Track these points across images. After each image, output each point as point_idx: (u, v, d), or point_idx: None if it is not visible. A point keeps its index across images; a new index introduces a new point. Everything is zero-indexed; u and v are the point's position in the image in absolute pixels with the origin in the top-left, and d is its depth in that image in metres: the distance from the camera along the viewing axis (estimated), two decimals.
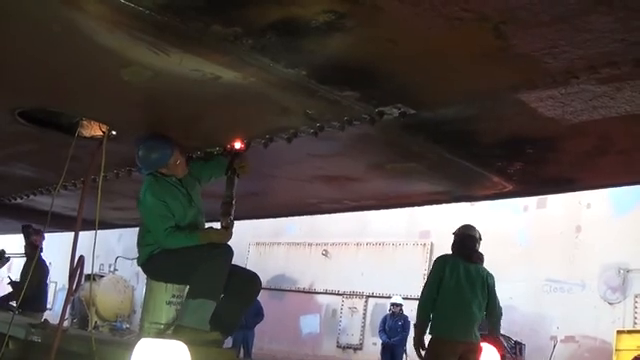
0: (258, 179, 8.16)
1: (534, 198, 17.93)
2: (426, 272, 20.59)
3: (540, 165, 7.08)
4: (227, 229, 6.98)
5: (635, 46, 4.20)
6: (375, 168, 7.85)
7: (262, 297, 15.33)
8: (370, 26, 4.28)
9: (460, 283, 9.25)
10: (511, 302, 18.95)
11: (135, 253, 7.19)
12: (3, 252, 11.82)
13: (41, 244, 13.36)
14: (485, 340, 9.66)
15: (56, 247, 14.48)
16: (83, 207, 7.08)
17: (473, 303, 9.25)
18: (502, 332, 15.56)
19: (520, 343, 15.68)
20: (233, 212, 7.02)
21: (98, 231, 7.09)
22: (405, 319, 18.81)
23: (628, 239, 17.24)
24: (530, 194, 11.40)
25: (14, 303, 12.75)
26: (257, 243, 25.12)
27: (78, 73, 5.59)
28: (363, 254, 22.22)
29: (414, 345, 9.29)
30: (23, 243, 13.99)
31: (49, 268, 15.05)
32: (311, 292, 23.92)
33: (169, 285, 7.00)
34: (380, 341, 19.54)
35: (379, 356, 19.64)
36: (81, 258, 6.69)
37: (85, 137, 7.06)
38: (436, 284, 9.28)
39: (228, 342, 8.25)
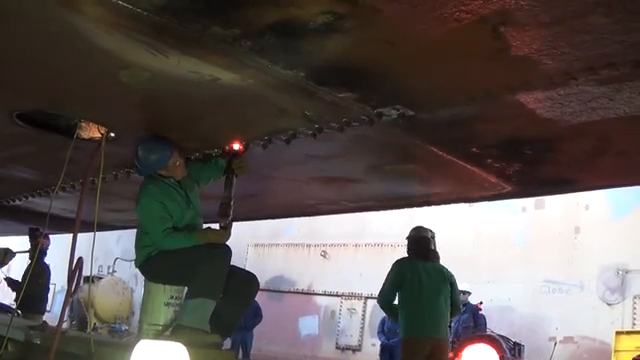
0: (257, 180, 8.16)
1: (532, 199, 17.89)
2: None
3: (539, 166, 7.09)
4: (225, 230, 6.99)
5: (634, 47, 4.20)
6: (374, 169, 7.85)
7: (261, 298, 15.34)
8: (368, 27, 4.28)
9: (423, 282, 9.72)
10: (509, 303, 18.99)
11: (134, 255, 7.19)
12: (9, 250, 11.84)
13: (47, 248, 13.41)
14: (484, 341, 9.69)
15: (55, 249, 14.47)
16: (82, 209, 7.08)
17: (439, 299, 9.74)
18: (501, 333, 15.63)
19: (519, 344, 15.64)
20: (231, 213, 7.02)
21: (97, 233, 7.09)
22: None
23: (627, 240, 17.21)
24: (529, 195, 11.41)
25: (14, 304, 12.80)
26: (256, 244, 25.07)
27: (76, 75, 5.59)
28: (362, 255, 22.19)
29: None
30: (28, 246, 14.03)
31: (50, 271, 15.09)
32: (310, 293, 23.89)
33: (167, 286, 7.01)
34: (379, 342, 19.51)
35: (378, 357, 19.62)
36: (80, 260, 6.69)
37: (83, 139, 7.05)
38: (395, 287, 9.81)
39: (227, 343, 8.24)
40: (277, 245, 24.97)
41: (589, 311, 17.85)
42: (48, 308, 16.71)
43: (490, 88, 5.10)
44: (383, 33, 4.35)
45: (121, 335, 22.60)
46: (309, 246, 24.01)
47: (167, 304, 6.98)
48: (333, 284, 22.94)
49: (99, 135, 6.95)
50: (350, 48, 4.63)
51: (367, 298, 22.07)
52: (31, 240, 13.78)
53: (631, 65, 4.45)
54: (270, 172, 8.21)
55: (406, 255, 10.24)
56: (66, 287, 6.84)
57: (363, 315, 22.40)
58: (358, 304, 22.43)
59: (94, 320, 24.00)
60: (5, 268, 15.12)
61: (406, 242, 10.43)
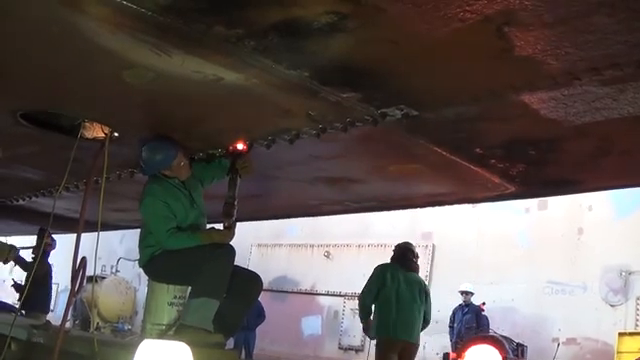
0: (260, 180, 8.16)
1: (535, 200, 17.88)
2: (428, 273, 20.64)
3: (542, 167, 7.07)
4: (229, 230, 7.00)
5: (638, 48, 4.20)
6: (377, 170, 7.85)
7: (264, 298, 15.37)
8: (372, 27, 4.28)
9: (401, 288, 10.71)
10: (512, 304, 18.98)
11: (137, 254, 7.20)
12: (13, 246, 11.88)
13: (50, 251, 13.42)
14: (487, 342, 9.71)
15: (58, 249, 14.49)
16: (85, 209, 7.08)
17: (413, 305, 10.71)
18: (504, 334, 15.62)
19: (522, 345, 15.59)
20: (235, 213, 7.03)
21: (100, 233, 7.10)
22: None
23: (630, 241, 17.19)
24: (532, 196, 11.38)
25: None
26: (259, 245, 25.07)
27: (80, 75, 5.59)
28: (365, 256, 22.13)
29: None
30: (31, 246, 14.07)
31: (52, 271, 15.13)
32: (313, 293, 23.88)
33: (171, 286, 7.01)
34: None
35: None
36: (83, 260, 6.69)
37: (87, 139, 7.07)
38: (376, 289, 10.76)
39: (229, 343, 8.25)
40: (280, 245, 24.96)
41: (592, 312, 17.84)
42: (51, 307, 16.74)
43: (494, 88, 5.10)
44: (387, 33, 4.35)
45: (124, 335, 22.57)
46: (312, 246, 24.01)
47: (170, 304, 6.98)
48: (336, 284, 22.92)
49: (103, 135, 6.96)
50: (354, 48, 4.62)
51: None
52: (38, 240, 13.83)
53: (635, 65, 4.44)
54: (274, 172, 8.20)
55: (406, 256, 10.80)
56: (69, 287, 6.85)
57: None
58: None
59: (97, 320, 24.02)
60: (9, 266, 15.15)
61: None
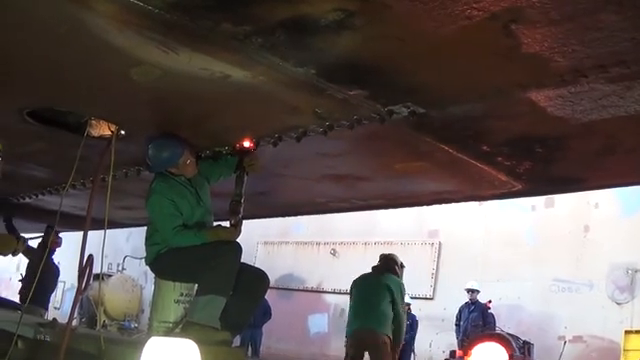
0: (267, 178, 8.17)
1: (542, 197, 17.90)
2: (434, 271, 20.67)
3: (549, 164, 7.06)
4: (236, 228, 7.00)
5: None
6: (384, 167, 7.86)
7: (270, 296, 15.39)
8: (379, 24, 4.28)
9: (364, 287, 11.16)
10: (519, 302, 19.00)
11: (143, 252, 7.20)
12: (22, 238, 11.93)
13: (54, 249, 13.44)
14: (494, 339, 9.72)
15: (65, 246, 14.52)
16: (92, 206, 7.09)
17: (372, 299, 10.87)
18: (510, 332, 15.63)
19: (528, 343, 15.63)
20: (242, 211, 7.04)
21: (107, 230, 7.10)
22: (413, 318, 18.76)
23: (636, 239, 17.19)
24: (539, 193, 11.37)
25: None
26: (265, 242, 25.11)
27: (87, 72, 5.60)
28: (371, 253, 21.96)
29: None
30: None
31: (59, 269, 15.13)
32: (319, 291, 23.90)
33: (177, 284, 7.01)
34: None
35: None
36: (90, 257, 6.69)
37: (94, 137, 7.08)
38: (351, 300, 11.54)
39: (236, 341, 8.26)
40: (287, 243, 25.02)
41: (598, 310, 17.85)
42: (57, 305, 16.79)
43: (501, 86, 5.10)
44: (394, 30, 4.35)
45: (130, 333, 22.67)
46: (319, 244, 24.05)
47: (177, 301, 6.98)
48: (342, 282, 22.83)
49: (109, 133, 6.96)
50: (361, 45, 4.62)
51: None
52: (45, 236, 13.87)
53: None
54: (280, 170, 8.21)
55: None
56: (76, 285, 6.85)
57: None
58: None
59: (104, 318, 24.07)
60: (17, 263, 15.20)
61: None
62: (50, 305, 15.40)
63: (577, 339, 17.97)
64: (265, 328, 20.20)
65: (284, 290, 23.95)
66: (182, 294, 7.01)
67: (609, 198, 17.72)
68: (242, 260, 6.82)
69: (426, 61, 4.82)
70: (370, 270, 11.56)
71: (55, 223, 10.53)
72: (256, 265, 7.75)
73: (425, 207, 13.24)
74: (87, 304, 21.24)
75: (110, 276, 26.65)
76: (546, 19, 3.97)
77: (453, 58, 4.70)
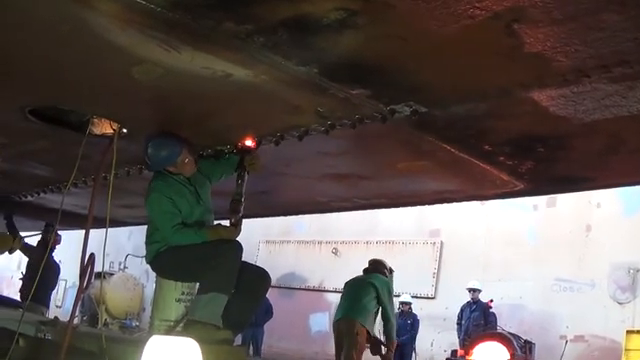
0: (268, 177, 8.16)
1: (544, 197, 17.89)
2: (436, 271, 20.65)
3: (551, 164, 7.06)
4: (236, 226, 7.00)
5: None
6: (386, 166, 7.85)
7: (272, 295, 15.38)
8: (381, 24, 4.28)
9: (352, 286, 11.71)
10: (520, 301, 18.99)
11: (145, 251, 7.20)
12: (19, 236, 11.94)
13: (54, 247, 13.44)
14: (495, 339, 9.73)
15: (66, 245, 14.53)
16: (94, 205, 7.09)
17: (355, 294, 11.38)
18: (512, 331, 15.63)
19: (530, 342, 15.62)
20: (242, 210, 7.03)
21: (108, 229, 7.10)
22: (414, 318, 18.80)
23: (638, 239, 17.18)
24: (541, 193, 11.38)
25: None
26: (267, 241, 25.12)
27: (89, 71, 5.60)
28: (373, 253, 21.96)
29: None
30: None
31: (59, 267, 15.15)
32: (321, 290, 23.90)
33: (179, 282, 7.01)
34: None
35: None
36: (92, 256, 6.69)
37: (96, 135, 7.08)
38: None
39: (237, 340, 8.26)
40: (288, 242, 25.03)
41: (600, 310, 17.84)
42: (59, 303, 16.79)
43: (503, 85, 5.09)
44: (396, 29, 4.35)
45: (132, 331, 22.67)
46: (320, 243, 24.06)
47: (178, 300, 6.98)
48: (344, 281, 22.93)
49: (111, 131, 6.95)
50: (363, 44, 4.62)
51: None
52: (44, 234, 13.89)
53: None
54: (282, 169, 8.21)
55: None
56: (77, 283, 6.86)
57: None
58: None
59: (105, 316, 24.09)
60: (17, 261, 15.20)
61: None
62: (52, 303, 15.44)
63: (579, 339, 17.97)
64: (267, 327, 20.21)
65: (286, 289, 23.96)
66: (183, 293, 7.01)
67: (611, 198, 17.71)
68: (244, 259, 6.82)
69: (428, 60, 4.82)
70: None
71: (57, 221, 10.53)
72: (258, 264, 7.73)
73: (427, 206, 13.25)
74: (89, 302, 21.28)
75: (112, 274, 26.69)
76: (548, 19, 3.97)
77: (455, 57, 4.70)
